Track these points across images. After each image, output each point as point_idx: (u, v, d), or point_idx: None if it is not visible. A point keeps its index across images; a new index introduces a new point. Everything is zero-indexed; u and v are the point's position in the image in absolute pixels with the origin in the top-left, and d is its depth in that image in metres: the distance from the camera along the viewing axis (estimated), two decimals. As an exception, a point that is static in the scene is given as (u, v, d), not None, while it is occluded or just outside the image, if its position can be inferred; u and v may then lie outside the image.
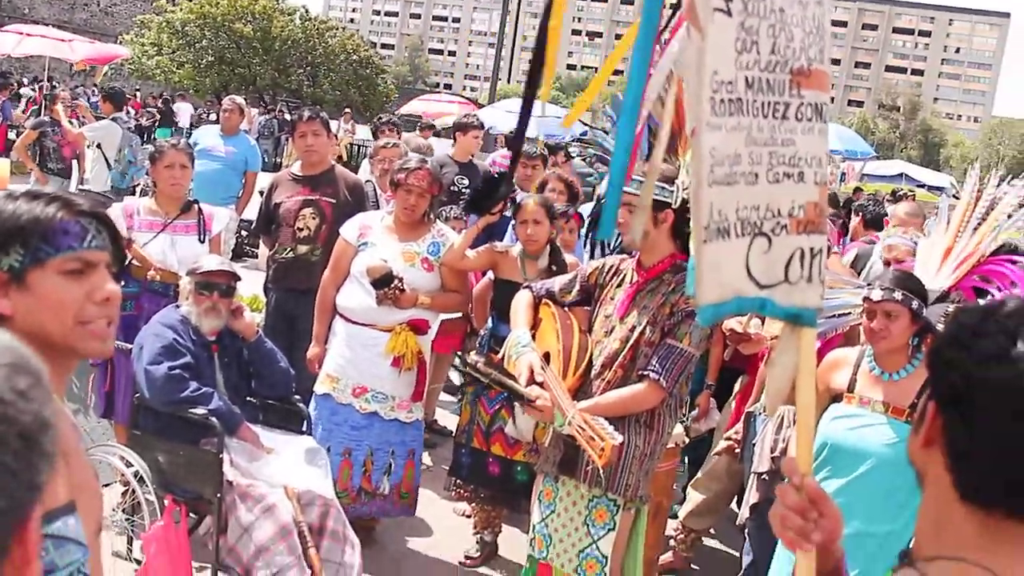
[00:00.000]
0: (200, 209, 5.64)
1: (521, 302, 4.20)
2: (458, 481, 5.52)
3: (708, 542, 6.02)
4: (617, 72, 4.27)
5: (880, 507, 3.79)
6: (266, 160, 11.15)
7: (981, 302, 3.81)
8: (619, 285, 4.01)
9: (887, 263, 5.61)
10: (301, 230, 6.06)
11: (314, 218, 6.03)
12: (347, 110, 29.93)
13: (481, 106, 29.13)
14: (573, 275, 4.22)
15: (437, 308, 5.43)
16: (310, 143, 6.25)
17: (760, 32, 1.76)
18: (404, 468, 5.38)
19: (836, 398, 4.02)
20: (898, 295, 3.81)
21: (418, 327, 5.28)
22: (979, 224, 4.39)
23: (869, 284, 4.18)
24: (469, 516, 5.77)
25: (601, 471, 3.72)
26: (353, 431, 5.23)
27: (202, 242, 5.51)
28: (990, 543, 1.37)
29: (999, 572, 1.35)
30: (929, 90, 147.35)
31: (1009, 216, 4.36)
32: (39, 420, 0.94)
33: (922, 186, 31.95)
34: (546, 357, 3.93)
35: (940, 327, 3.93)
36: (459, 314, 6.32)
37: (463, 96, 37.60)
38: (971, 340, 1.39)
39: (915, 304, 3.82)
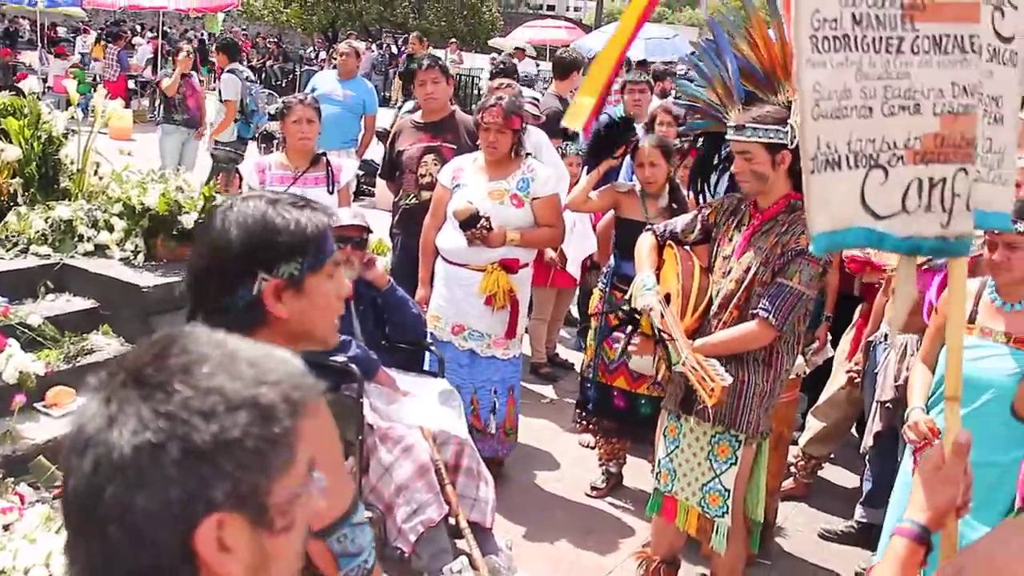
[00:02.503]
0: (328, 161, 5.84)
1: (645, 245, 4.30)
2: (583, 414, 5.72)
3: (828, 468, 6.11)
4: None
5: (1001, 437, 3.81)
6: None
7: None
8: (736, 226, 4.09)
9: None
10: (424, 176, 6.20)
11: (436, 164, 6.13)
12: (452, 40, 29.97)
13: (588, 28, 28.85)
14: (694, 215, 4.29)
15: (528, 244, 5.50)
16: (430, 91, 6.37)
17: None
18: (506, 405, 5.60)
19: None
20: (1020, 227, 3.79)
21: (509, 266, 5.42)
22: None
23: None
24: (593, 448, 5.93)
25: (710, 409, 3.86)
26: (459, 368, 5.43)
27: (331, 193, 5.71)
28: None
29: None
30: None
31: None
32: (214, 441, 1.04)
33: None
34: (667, 298, 4.04)
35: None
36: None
37: (568, 19, 37.11)
38: None
39: (1036, 235, 3.80)
